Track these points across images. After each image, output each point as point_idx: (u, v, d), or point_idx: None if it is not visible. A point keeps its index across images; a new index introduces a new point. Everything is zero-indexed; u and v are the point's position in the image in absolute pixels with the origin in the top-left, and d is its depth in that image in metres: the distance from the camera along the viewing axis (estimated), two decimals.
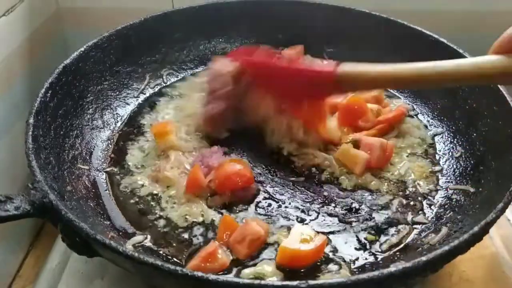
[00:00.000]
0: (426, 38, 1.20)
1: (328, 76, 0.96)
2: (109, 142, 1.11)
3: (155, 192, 1.00)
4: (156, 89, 1.27)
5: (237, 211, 0.96)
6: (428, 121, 1.19)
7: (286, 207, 0.97)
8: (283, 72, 1.04)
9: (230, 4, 1.33)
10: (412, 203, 0.99)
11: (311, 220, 0.95)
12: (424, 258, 0.70)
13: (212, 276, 0.68)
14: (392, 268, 0.69)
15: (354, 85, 1.00)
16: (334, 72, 0.96)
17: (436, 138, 1.14)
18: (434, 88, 1.16)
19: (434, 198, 1.00)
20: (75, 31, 1.38)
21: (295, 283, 0.68)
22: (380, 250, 0.89)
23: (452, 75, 0.86)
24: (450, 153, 1.09)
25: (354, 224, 0.94)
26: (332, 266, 0.86)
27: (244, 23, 1.34)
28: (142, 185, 1.01)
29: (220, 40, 1.37)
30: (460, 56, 1.12)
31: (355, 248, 0.90)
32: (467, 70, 0.85)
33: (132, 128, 1.16)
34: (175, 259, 0.87)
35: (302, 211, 0.96)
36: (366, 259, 0.88)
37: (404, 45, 1.23)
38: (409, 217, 0.96)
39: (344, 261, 0.87)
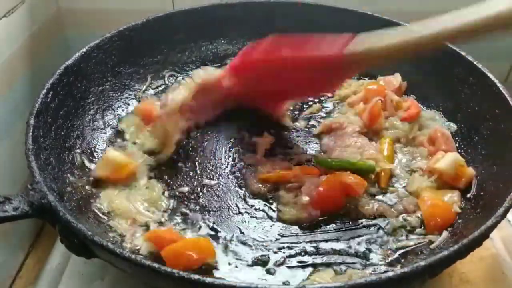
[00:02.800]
0: None
1: (336, 60, 0.91)
2: (110, 143, 1.11)
3: None
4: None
5: None
6: None
7: None
8: (285, 65, 1.00)
9: (232, 6, 1.33)
10: None
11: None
12: (422, 263, 0.69)
13: (208, 279, 0.68)
14: (390, 273, 0.68)
15: (368, 62, 0.94)
16: (341, 55, 0.90)
17: None
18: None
19: None
20: (76, 32, 1.39)
21: (292, 286, 0.68)
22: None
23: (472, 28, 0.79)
24: None
25: None
26: None
27: (246, 25, 1.34)
28: None
29: (222, 41, 1.37)
30: (462, 58, 1.11)
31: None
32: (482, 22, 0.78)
33: None
34: None
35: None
36: None
37: None
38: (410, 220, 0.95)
39: None
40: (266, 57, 1.04)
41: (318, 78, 0.99)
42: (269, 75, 1.05)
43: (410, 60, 1.16)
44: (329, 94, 1.24)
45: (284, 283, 0.80)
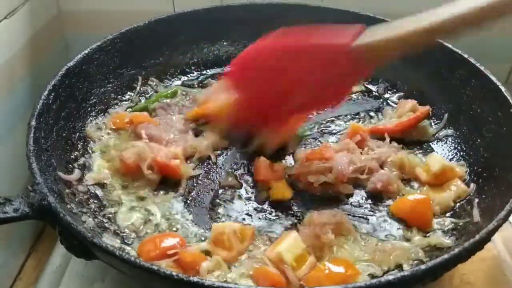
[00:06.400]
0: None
1: (341, 50, 0.85)
2: None
3: None
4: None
5: None
6: (432, 126, 1.17)
7: None
8: (288, 56, 0.94)
9: (233, 7, 1.33)
10: None
11: None
12: (423, 267, 0.69)
13: (208, 281, 0.67)
14: (390, 276, 0.68)
15: (378, 58, 0.87)
16: (349, 45, 0.84)
17: (439, 144, 1.13)
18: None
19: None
20: (77, 33, 1.39)
21: None
22: None
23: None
24: (453, 159, 1.08)
25: None
26: None
27: (247, 26, 1.33)
28: None
29: (224, 43, 1.37)
30: (464, 60, 1.11)
31: None
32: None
33: None
34: None
35: None
36: None
37: None
38: None
39: None
40: (269, 46, 0.99)
41: (325, 79, 0.94)
42: (272, 69, 0.98)
43: (411, 62, 1.16)
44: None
45: None
